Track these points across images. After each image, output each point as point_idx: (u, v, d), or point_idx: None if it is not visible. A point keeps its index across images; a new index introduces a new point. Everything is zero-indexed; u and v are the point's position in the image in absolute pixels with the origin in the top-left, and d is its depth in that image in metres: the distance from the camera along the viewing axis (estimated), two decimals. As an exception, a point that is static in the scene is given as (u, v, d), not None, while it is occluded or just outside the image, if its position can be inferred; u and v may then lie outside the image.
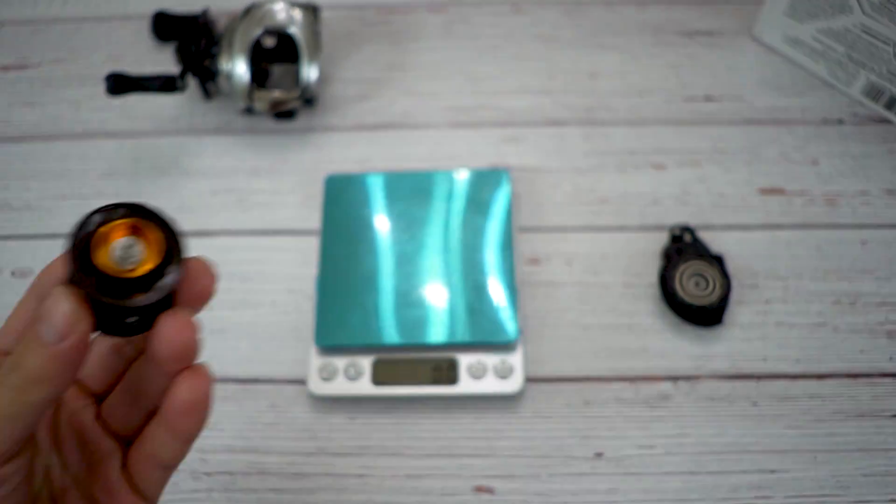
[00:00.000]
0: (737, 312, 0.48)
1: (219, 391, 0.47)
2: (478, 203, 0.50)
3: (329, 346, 0.46)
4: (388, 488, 0.44)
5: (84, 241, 0.23)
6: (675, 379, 0.46)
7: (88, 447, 0.27)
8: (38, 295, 0.25)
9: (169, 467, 0.27)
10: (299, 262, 0.51)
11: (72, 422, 0.27)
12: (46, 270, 0.26)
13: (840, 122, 0.56)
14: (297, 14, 0.54)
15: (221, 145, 0.57)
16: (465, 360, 0.45)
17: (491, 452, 0.45)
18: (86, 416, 0.28)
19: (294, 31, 0.54)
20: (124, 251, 0.23)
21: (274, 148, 0.57)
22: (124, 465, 0.27)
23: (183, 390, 0.24)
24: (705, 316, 0.47)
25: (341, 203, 0.51)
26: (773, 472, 0.43)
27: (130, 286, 0.22)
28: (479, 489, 0.44)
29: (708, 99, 0.58)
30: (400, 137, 0.57)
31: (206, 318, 0.52)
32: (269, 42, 0.57)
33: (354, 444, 0.45)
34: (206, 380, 0.25)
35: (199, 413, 0.25)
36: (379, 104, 0.59)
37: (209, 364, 0.26)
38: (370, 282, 0.47)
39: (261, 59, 0.57)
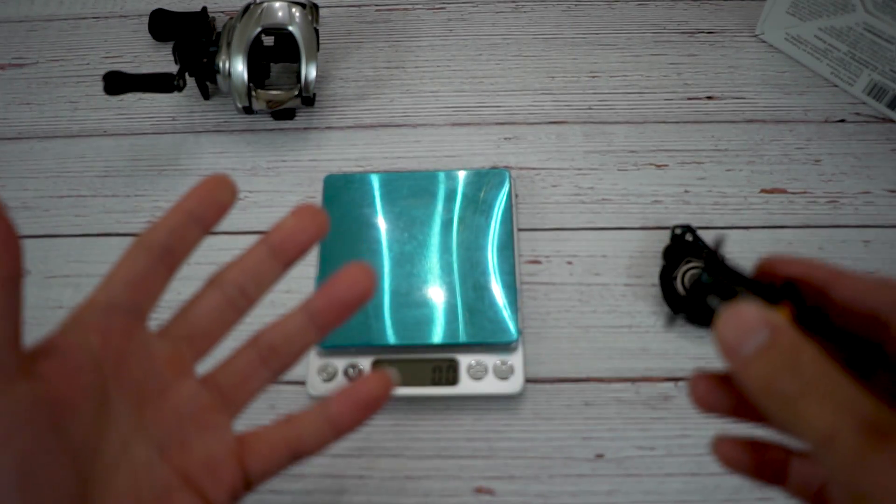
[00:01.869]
0: (738, 313, 0.48)
1: (217, 392, 0.47)
2: (478, 203, 0.50)
3: (328, 346, 0.46)
4: (387, 489, 0.43)
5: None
6: (675, 380, 0.46)
7: (190, 409, 0.26)
8: (147, 249, 0.26)
9: (301, 453, 0.27)
10: (298, 263, 0.51)
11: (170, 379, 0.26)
12: (158, 227, 0.26)
13: (842, 121, 0.56)
14: (296, 12, 0.54)
15: (220, 144, 0.57)
16: (465, 361, 0.45)
17: (491, 453, 0.44)
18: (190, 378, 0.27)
19: (293, 29, 0.53)
20: None
21: (273, 147, 0.56)
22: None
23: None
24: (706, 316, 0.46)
25: (340, 203, 0.50)
26: (774, 473, 0.43)
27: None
28: (480, 490, 0.43)
29: (709, 98, 0.57)
30: (399, 137, 0.56)
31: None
32: (268, 41, 0.57)
33: (354, 445, 0.45)
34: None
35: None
36: (378, 103, 0.58)
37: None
38: (369, 282, 0.47)
39: (259, 58, 0.57)
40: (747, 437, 0.25)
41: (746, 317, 0.21)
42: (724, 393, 0.24)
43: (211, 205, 0.27)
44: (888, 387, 0.22)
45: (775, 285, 0.23)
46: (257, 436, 0.27)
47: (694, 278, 0.23)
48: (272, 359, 0.27)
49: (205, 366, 0.28)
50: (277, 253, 0.27)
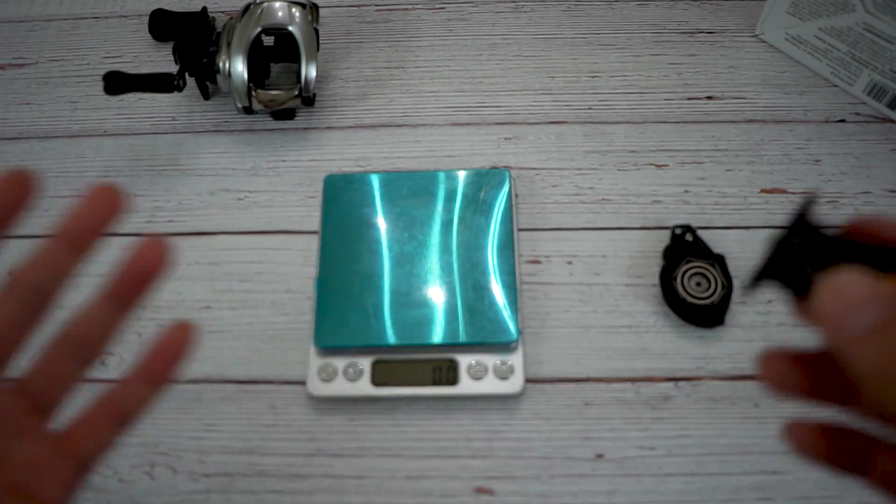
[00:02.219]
0: (738, 313, 0.48)
1: (217, 392, 0.47)
2: (478, 203, 0.50)
3: (328, 346, 0.45)
4: (387, 490, 0.43)
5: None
6: (676, 380, 0.46)
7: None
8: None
9: (126, 418, 0.27)
10: (298, 262, 0.51)
11: None
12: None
13: (842, 121, 0.56)
14: (296, 12, 0.54)
15: (220, 144, 0.57)
16: (464, 361, 0.45)
17: (491, 454, 0.44)
18: None
19: (293, 29, 0.53)
20: None
21: (273, 147, 0.56)
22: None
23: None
24: (707, 316, 0.47)
25: (341, 203, 0.50)
26: (775, 473, 0.43)
27: None
28: (480, 490, 0.43)
29: (709, 98, 0.57)
30: (399, 137, 0.56)
31: (205, 318, 0.52)
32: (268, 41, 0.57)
33: (354, 446, 0.45)
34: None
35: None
36: (378, 103, 0.58)
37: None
38: (370, 282, 0.47)
39: (259, 58, 0.57)
40: (826, 422, 0.22)
41: (856, 287, 0.18)
42: (808, 373, 0.22)
43: (9, 201, 0.27)
44: None
45: (884, 250, 0.20)
46: (82, 422, 0.27)
47: (778, 241, 0.20)
48: (83, 351, 0.28)
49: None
50: (74, 243, 0.27)
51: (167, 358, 0.28)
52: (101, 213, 0.27)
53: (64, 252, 0.27)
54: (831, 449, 0.22)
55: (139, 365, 0.28)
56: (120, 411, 0.28)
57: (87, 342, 0.28)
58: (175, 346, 0.28)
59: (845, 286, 0.18)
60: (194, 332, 0.28)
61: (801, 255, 0.20)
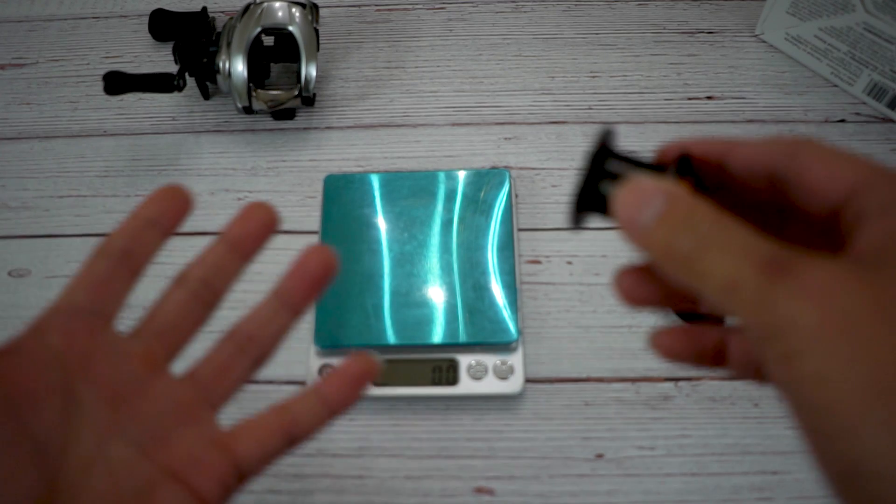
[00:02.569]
0: (738, 313, 0.48)
1: (217, 392, 0.47)
2: (478, 203, 0.50)
3: (328, 346, 0.45)
4: (387, 489, 0.43)
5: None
6: (676, 380, 0.46)
7: (166, 407, 0.26)
8: (107, 254, 0.27)
9: (297, 436, 0.28)
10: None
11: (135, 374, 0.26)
12: (115, 234, 0.27)
13: (842, 121, 0.56)
14: (296, 12, 0.54)
15: (220, 144, 0.57)
16: (465, 361, 0.45)
17: (491, 453, 0.44)
18: (164, 372, 0.27)
19: (293, 29, 0.53)
20: None
21: (273, 147, 0.56)
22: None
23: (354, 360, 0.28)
24: (706, 316, 0.46)
25: (341, 203, 0.50)
26: (775, 473, 0.43)
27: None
28: (480, 490, 0.43)
29: (709, 98, 0.57)
30: (399, 137, 0.56)
31: (205, 318, 0.51)
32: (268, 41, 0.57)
33: (353, 446, 0.45)
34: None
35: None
36: (378, 103, 0.58)
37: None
38: (370, 282, 0.47)
39: (259, 58, 0.57)
40: (683, 326, 0.25)
41: (641, 188, 0.21)
42: (649, 284, 0.24)
43: (167, 210, 0.28)
44: (799, 238, 0.22)
45: (670, 164, 0.23)
46: (250, 424, 0.27)
47: (583, 170, 0.23)
48: (250, 347, 0.28)
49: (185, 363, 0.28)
50: (236, 247, 0.29)
51: (351, 385, 0.29)
52: (261, 226, 0.29)
53: (227, 255, 0.29)
54: (692, 348, 0.24)
55: (323, 388, 0.28)
56: (291, 425, 0.28)
57: (256, 341, 0.28)
58: (360, 373, 0.29)
59: (633, 189, 0.21)
60: (377, 366, 0.29)
61: (601, 178, 0.22)
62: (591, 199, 0.22)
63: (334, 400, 0.28)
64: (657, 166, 0.22)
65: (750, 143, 0.22)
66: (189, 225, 0.55)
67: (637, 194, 0.21)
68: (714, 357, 0.24)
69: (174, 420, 0.26)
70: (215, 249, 0.28)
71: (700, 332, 0.25)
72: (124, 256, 0.27)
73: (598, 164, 0.22)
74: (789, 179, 0.21)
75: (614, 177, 0.22)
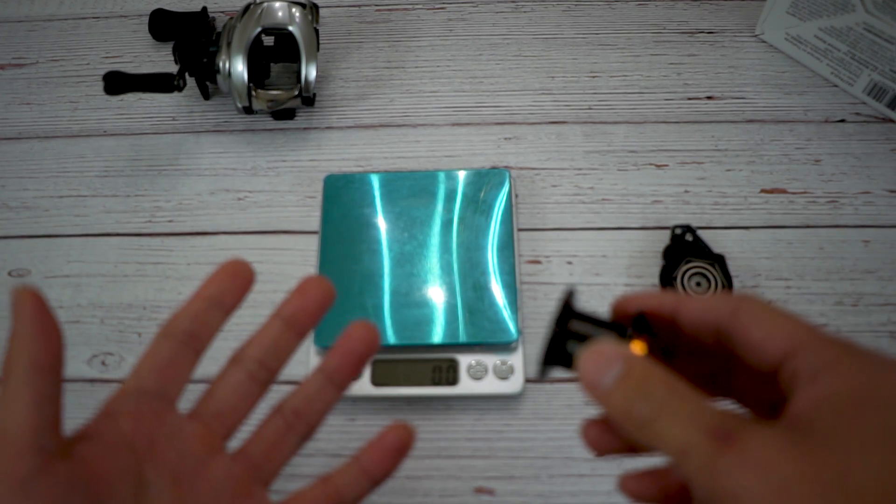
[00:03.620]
0: (738, 313, 0.48)
1: (217, 392, 0.47)
2: (478, 203, 0.50)
3: (328, 346, 0.45)
4: (387, 490, 0.43)
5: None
6: (676, 380, 0.46)
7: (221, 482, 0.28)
8: (171, 337, 0.28)
9: None
10: (298, 262, 0.51)
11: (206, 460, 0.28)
12: (180, 315, 0.28)
13: (842, 121, 0.56)
14: (296, 12, 0.54)
15: (220, 144, 0.57)
16: (465, 361, 0.45)
17: (491, 453, 0.44)
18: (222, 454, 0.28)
19: (293, 29, 0.53)
20: None
21: (273, 147, 0.56)
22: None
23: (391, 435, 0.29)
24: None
25: (341, 203, 0.50)
26: (774, 473, 0.43)
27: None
28: (480, 490, 0.43)
29: (709, 98, 0.57)
30: (399, 137, 0.56)
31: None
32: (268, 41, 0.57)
33: (354, 446, 0.45)
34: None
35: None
36: (378, 103, 0.58)
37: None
38: (370, 282, 0.47)
39: (259, 58, 0.57)
40: (649, 468, 0.26)
41: (602, 353, 0.22)
42: (614, 435, 0.25)
43: (230, 288, 0.29)
44: (746, 387, 0.25)
45: (627, 323, 0.25)
46: (298, 498, 0.29)
47: (549, 330, 0.25)
48: (297, 423, 0.29)
49: (236, 439, 0.29)
50: (292, 325, 0.29)
51: (390, 454, 0.29)
52: (318, 302, 0.29)
53: (283, 333, 0.29)
54: (658, 490, 0.26)
55: (363, 459, 0.29)
56: (337, 497, 0.29)
57: (304, 417, 0.29)
58: (398, 442, 0.30)
59: (595, 353, 0.22)
60: (413, 434, 0.30)
61: (566, 338, 0.24)
62: (557, 356, 0.24)
63: (375, 470, 0.29)
64: (616, 325, 0.24)
65: (697, 300, 0.24)
66: (189, 225, 0.56)
67: (598, 358, 0.22)
68: (679, 499, 0.25)
69: (230, 497, 0.27)
70: (271, 327, 0.29)
71: (665, 473, 0.26)
72: (188, 338, 0.28)
73: (563, 324, 0.24)
74: (732, 337, 0.23)
75: (579, 336, 0.24)
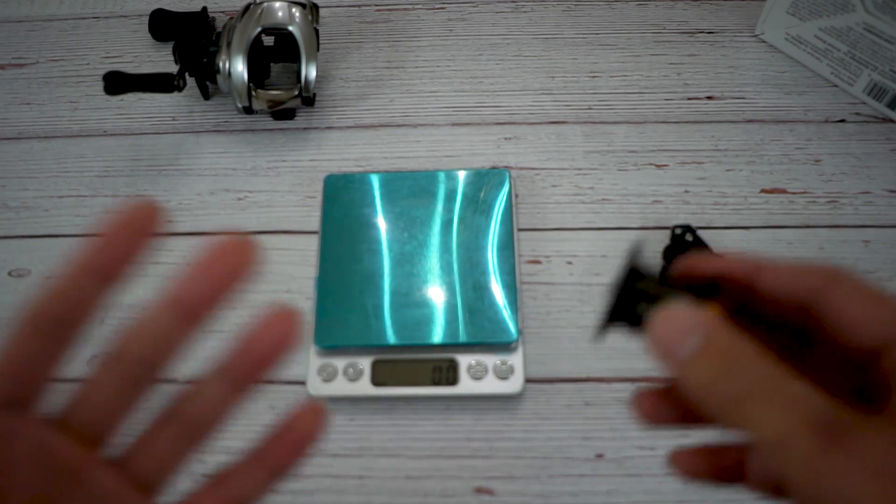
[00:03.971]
0: (738, 313, 0.48)
1: (217, 392, 0.46)
2: (478, 203, 0.50)
3: (328, 346, 0.45)
4: (387, 489, 0.43)
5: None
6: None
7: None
8: (35, 328, 0.22)
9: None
10: (298, 262, 0.51)
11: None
12: (49, 297, 0.23)
13: (842, 121, 0.56)
14: (296, 12, 0.54)
15: (220, 144, 0.57)
16: (465, 361, 0.45)
17: (491, 453, 0.44)
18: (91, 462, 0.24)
19: (293, 29, 0.53)
20: None
21: (273, 147, 0.56)
22: None
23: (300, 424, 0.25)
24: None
25: (341, 203, 0.50)
26: (774, 473, 0.43)
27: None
28: (480, 490, 0.43)
29: (709, 98, 0.57)
30: (399, 137, 0.56)
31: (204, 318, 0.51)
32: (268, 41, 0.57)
33: (354, 446, 0.45)
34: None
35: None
36: (378, 103, 0.58)
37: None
38: (370, 282, 0.47)
39: (259, 58, 0.57)
40: (702, 444, 0.25)
41: (679, 318, 0.20)
42: (669, 405, 0.24)
43: (122, 252, 0.23)
44: (820, 365, 0.22)
45: (701, 286, 0.23)
46: (190, 502, 0.25)
47: (615, 287, 0.23)
48: (195, 432, 0.25)
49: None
50: (187, 314, 0.23)
51: (296, 449, 0.25)
52: (222, 275, 0.23)
53: (175, 324, 0.24)
54: (712, 466, 0.24)
55: (265, 454, 0.25)
56: (232, 500, 0.25)
57: (197, 421, 0.25)
58: (305, 434, 0.25)
59: (670, 317, 0.20)
60: (324, 415, 0.25)
61: (635, 297, 0.22)
62: (623, 315, 0.22)
63: (278, 466, 0.25)
64: (691, 286, 0.22)
65: (781, 267, 0.22)
66: (189, 225, 0.56)
67: (675, 323, 0.20)
68: (733, 475, 0.24)
69: None
70: (161, 317, 0.24)
71: (719, 450, 0.24)
72: (57, 326, 0.22)
73: (631, 282, 0.22)
74: (823, 313, 0.21)
75: (649, 297, 0.22)
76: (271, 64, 0.59)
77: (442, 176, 0.51)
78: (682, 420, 0.24)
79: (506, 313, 0.46)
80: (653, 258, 0.50)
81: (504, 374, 0.45)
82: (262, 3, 0.54)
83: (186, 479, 0.25)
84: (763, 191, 0.53)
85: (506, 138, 0.56)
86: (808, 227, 0.51)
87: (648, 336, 0.20)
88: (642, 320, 0.22)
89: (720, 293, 0.23)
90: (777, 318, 0.22)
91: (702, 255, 0.24)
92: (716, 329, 0.19)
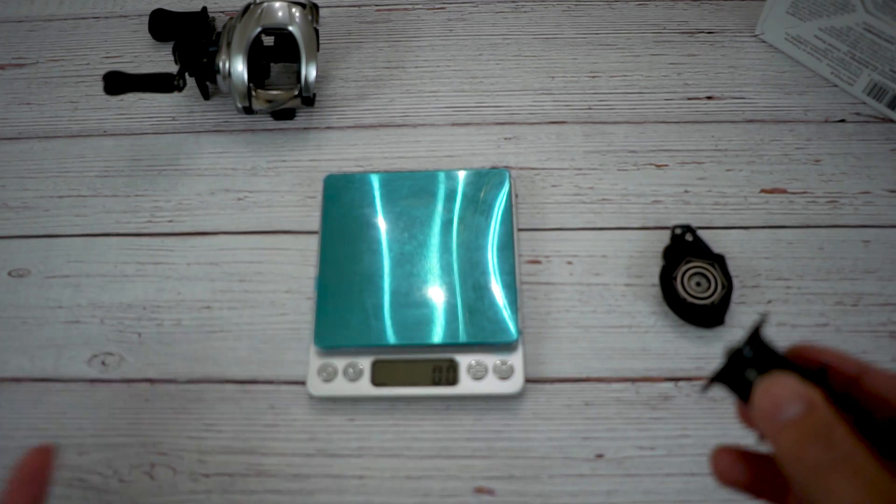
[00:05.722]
0: (738, 313, 0.48)
1: (217, 392, 0.47)
2: (478, 203, 0.50)
3: (328, 346, 0.45)
4: (387, 490, 0.43)
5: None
6: (675, 380, 0.46)
7: None
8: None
9: None
10: (298, 262, 0.51)
11: None
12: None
13: (842, 121, 0.56)
14: (296, 12, 0.54)
15: (220, 144, 0.57)
16: (464, 361, 0.45)
17: (491, 453, 0.44)
18: None
19: (293, 29, 0.53)
20: None
21: (273, 147, 0.56)
22: None
23: None
24: (706, 316, 0.47)
25: (341, 203, 0.50)
26: (774, 473, 0.43)
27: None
28: (480, 490, 0.43)
29: (709, 98, 0.57)
30: (399, 137, 0.56)
31: (205, 318, 0.51)
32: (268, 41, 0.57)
33: (354, 446, 0.45)
34: None
35: None
36: (378, 103, 0.58)
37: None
38: (370, 282, 0.47)
39: (259, 58, 0.57)
40: (747, 448, 0.25)
41: (787, 386, 0.22)
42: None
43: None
44: None
45: (809, 368, 0.24)
46: None
47: (732, 350, 0.25)
48: None
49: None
50: None
51: (30, 485, 0.27)
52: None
53: None
54: (751, 476, 0.25)
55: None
56: None
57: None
58: (35, 473, 0.27)
59: (779, 384, 0.22)
60: (53, 455, 0.28)
61: (748, 364, 0.24)
62: (731, 377, 0.25)
63: None
64: (801, 367, 0.24)
65: (887, 373, 0.24)
66: (189, 225, 0.56)
67: (782, 390, 0.22)
68: (773, 492, 0.25)
69: None
70: None
71: (765, 462, 0.25)
72: None
73: (748, 349, 0.24)
74: None
75: (760, 365, 0.24)
76: (271, 64, 0.59)
77: (442, 176, 0.51)
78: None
79: (506, 313, 0.46)
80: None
81: (504, 374, 0.45)
82: (262, 3, 0.54)
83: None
84: (763, 191, 0.53)
85: (506, 138, 0.56)
86: (808, 227, 0.51)
87: (754, 398, 0.22)
88: (749, 386, 0.24)
89: (826, 379, 0.24)
90: (876, 418, 0.24)
91: (811, 343, 0.26)
92: (818, 403, 0.21)
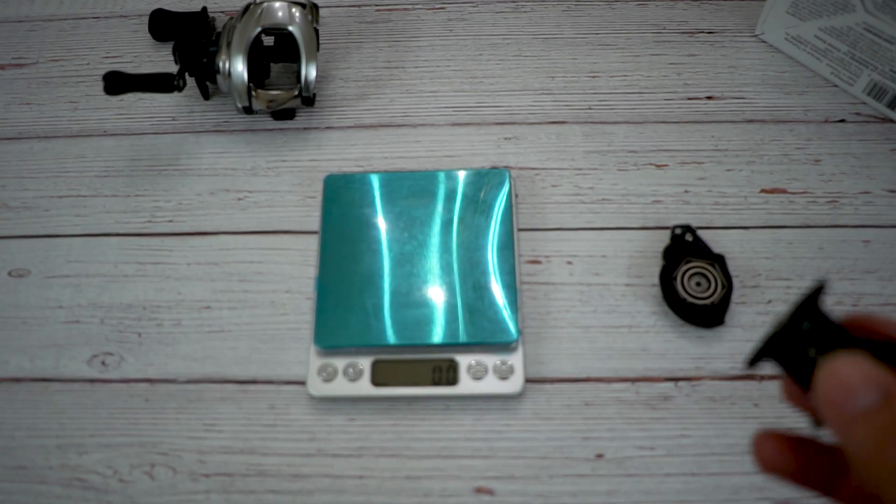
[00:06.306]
0: (738, 313, 0.48)
1: (217, 392, 0.47)
2: (478, 203, 0.50)
3: (328, 346, 0.45)
4: (387, 490, 0.43)
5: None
6: (675, 380, 0.46)
7: None
8: None
9: None
10: (298, 262, 0.51)
11: None
12: None
13: (842, 121, 0.56)
14: (296, 12, 0.54)
15: (220, 144, 0.57)
16: (464, 361, 0.45)
17: (491, 454, 0.44)
18: None
19: (293, 29, 0.53)
20: None
21: (273, 147, 0.56)
22: None
23: None
24: (706, 316, 0.47)
25: (341, 203, 0.50)
26: (774, 473, 0.43)
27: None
28: (479, 490, 0.43)
29: (709, 98, 0.57)
30: (399, 137, 0.56)
31: (205, 318, 0.52)
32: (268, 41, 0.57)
33: (354, 446, 0.45)
34: None
35: None
36: (378, 103, 0.58)
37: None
38: (370, 282, 0.47)
39: (259, 58, 0.57)
40: (793, 434, 0.22)
41: (858, 371, 0.19)
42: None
43: None
44: None
45: (879, 344, 0.21)
46: None
47: (784, 322, 0.21)
48: None
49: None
50: None
51: None
52: None
53: None
54: (797, 464, 0.22)
55: None
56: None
57: None
58: None
59: (846, 369, 0.19)
60: None
61: (806, 339, 0.20)
62: (787, 355, 0.21)
63: None
64: (871, 343, 0.21)
65: None
66: (189, 225, 0.56)
67: (852, 375, 0.19)
68: (824, 483, 0.22)
69: None
70: None
71: (812, 448, 0.22)
72: None
73: (805, 321, 0.21)
74: None
75: (820, 344, 0.21)
76: (271, 64, 0.59)
77: (442, 176, 0.51)
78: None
79: (506, 313, 0.46)
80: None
81: (504, 374, 0.45)
82: (262, 3, 0.54)
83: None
84: (763, 191, 0.53)
85: (506, 138, 0.56)
86: (807, 227, 0.51)
87: (818, 382, 0.19)
88: (809, 366, 0.20)
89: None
90: None
91: (877, 314, 0.22)
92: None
